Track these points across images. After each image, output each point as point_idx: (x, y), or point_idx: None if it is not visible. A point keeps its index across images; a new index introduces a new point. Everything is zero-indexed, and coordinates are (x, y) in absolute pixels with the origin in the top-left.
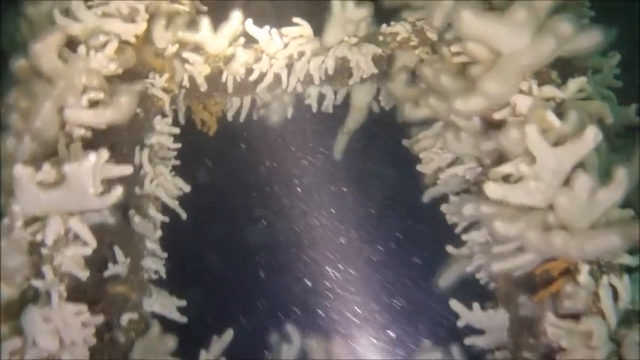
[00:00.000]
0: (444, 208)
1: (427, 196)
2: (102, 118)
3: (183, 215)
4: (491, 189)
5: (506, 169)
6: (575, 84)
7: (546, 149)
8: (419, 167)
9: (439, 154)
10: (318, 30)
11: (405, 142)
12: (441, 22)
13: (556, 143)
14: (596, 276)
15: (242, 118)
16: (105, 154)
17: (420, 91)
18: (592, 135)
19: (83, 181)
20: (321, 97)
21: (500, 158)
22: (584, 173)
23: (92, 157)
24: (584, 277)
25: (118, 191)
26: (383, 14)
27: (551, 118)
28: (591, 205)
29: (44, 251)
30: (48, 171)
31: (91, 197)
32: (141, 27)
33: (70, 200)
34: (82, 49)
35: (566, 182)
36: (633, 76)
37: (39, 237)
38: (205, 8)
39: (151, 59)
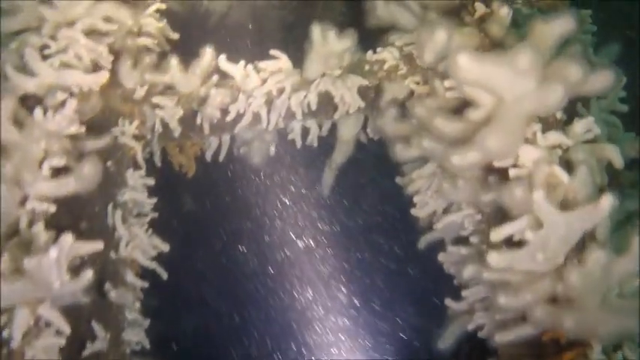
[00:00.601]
0: (441, 257)
1: (423, 243)
2: (65, 188)
3: (164, 275)
4: (495, 260)
5: (509, 230)
6: (581, 125)
7: (555, 216)
8: (413, 211)
9: (434, 198)
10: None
11: (399, 181)
12: (433, 59)
13: (564, 201)
14: (609, 352)
15: (222, 158)
16: (68, 239)
17: (412, 128)
18: (606, 204)
19: (46, 275)
20: (305, 131)
21: (502, 209)
22: (598, 249)
23: (53, 252)
24: (596, 354)
25: (88, 274)
26: (368, 36)
27: (559, 173)
28: (604, 278)
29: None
30: (7, 261)
31: (58, 286)
32: (103, 76)
33: (36, 290)
34: (38, 113)
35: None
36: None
37: (6, 333)
38: (176, 35)
39: (118, 104)
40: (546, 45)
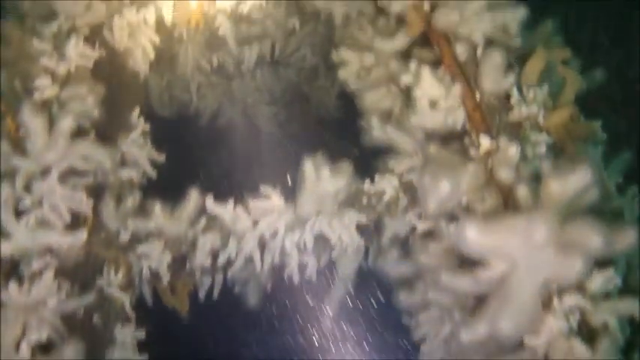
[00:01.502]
0: None
1: None
2: None
3: None
4: None
5: None
6: (602, 280)
7: None
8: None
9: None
10: None
11: (406, 321)
12: (437, 208)
13: None
14: None
15: (215, 296)
16: None
17: (416, 271)
18: None
19: None
20: (303, 266)
21: None
22: None
23: None
24: None
25: None
26: (366, 157)
27: (580, 349)
28: None
29: None
30: None
31: None
32: (82, 236)
33: None
34: (13, 289)
35: None
36: None
37: None
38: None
39: (102, 250)
40: (562, 201)
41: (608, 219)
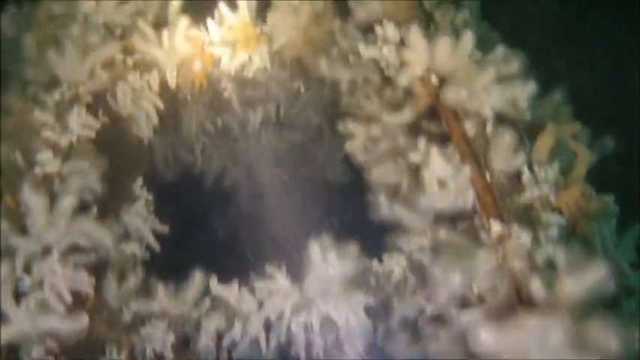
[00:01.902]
0: None
1: None
2: None
3: None
4: None
5: None
6: None
7: None
8: None
9: None
10: None
11: None
12: (447, 299)
13: None
14: None
15: None
16: None
17: (427, 357)
18: None
19: None
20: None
21: None
22: None
23: None
24: None
25: None
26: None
27: None
28: None
29: None
30: None
31: None
32: (84, 321)
33: None
34: None
35: None
36: None
37: None
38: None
39: (104, 330)
40: (577, 300)
41: (624, 315)
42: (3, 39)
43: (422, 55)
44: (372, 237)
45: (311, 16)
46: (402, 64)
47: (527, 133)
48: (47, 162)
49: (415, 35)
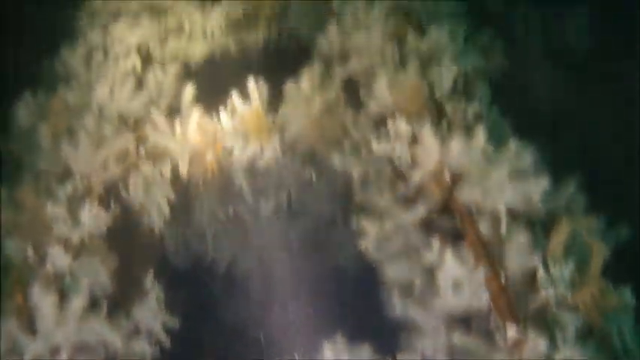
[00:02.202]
0: None
1: None
2: None
3: None
4: None
5: None
6: None
7: None
8: None
9: None
10: None
11: None
12: None
13: None
14: None
15: None
16: None
17: None
18: None
19: None
20: None
21: None
22: None
23: None
24: None
25: None
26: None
27: None
28: None
29: None
30: None
31: None
32: None
33: None
34: None
35: None
36: None
37: None
38: None
39: None
40: None
41: None
42: (18, 128)
43: (434, 153)
44: (386, 335)
45: (323, 108)
46: (415, 161)
47: (542, 227)
48: (58, 258)
49: (427, 133)
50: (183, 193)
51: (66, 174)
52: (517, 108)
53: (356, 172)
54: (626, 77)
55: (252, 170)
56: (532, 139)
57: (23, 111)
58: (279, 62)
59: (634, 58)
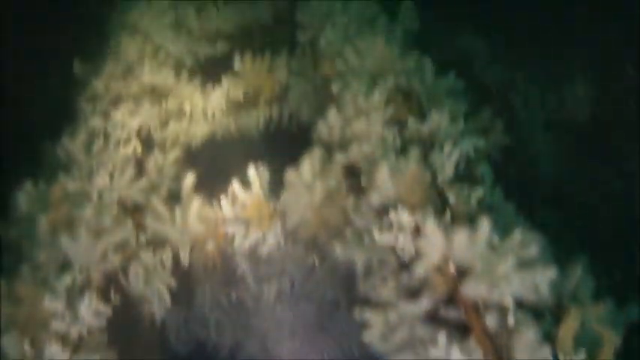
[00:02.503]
0: None
1: None
2: None
3: None
4: None
5: None
6: None
7: None
8: None
9: None
10: None
11: None
12: None
13: None
14: None
15: None
16: None
17: None
18: None
19: None
20: None
21: None
22: None
23: None
24: None
25: None
26: None
27: None
28: None
29: None
30: None
31: None
32: None
33: None
34: None
35: None
36: None
37: None
38: None
39: None
40: None
41: None
42: (18, 217)
43: (438, 246)
44: None
45: (324, 195)
46: (418, 253)
47: (550, 317)
48: (56, 355)
49: (431, 226)
50: (185, 279)
51: (65, 266)
52: (519, 187)
53: (359, 262)
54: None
55: (254, 256)
56: (536, 223)
57: (23, 199)
58: (280, 145)
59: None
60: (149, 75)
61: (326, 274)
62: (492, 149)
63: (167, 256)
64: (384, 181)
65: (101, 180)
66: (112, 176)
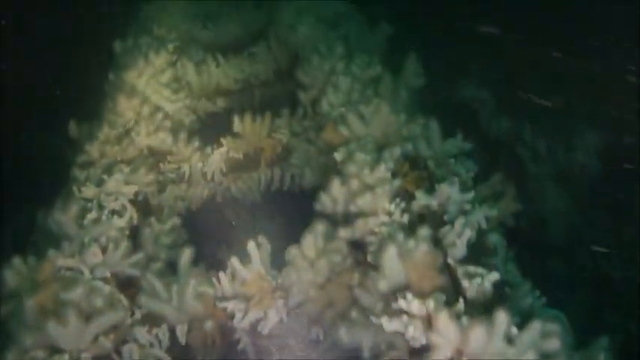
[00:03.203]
0: None
1: None
2: None
3: None
4: None
5: None
6: None
7: None
8: None
9: None
10: None
11: None
12: None
13: None
14: None
15: None
16: None
17: None
18: None
19: None
20: None
21: None
22: None
23: None
24: None
25: None
26: None
27: None
28: None
29: None
30: None
31: None
32: None
33: None
34: None
35: None
36: None
37: None
38: None
39: None
40: None
41: None
42: (6, 297)
43: (452, 341)
44: None
45: (328, 272)
46: (430, 344)
47: None
48: None
49: (443, 319)
50: (183, 356)
51: (53, 352)
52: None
53: (366, 346)
54: None
55: (255, 334)
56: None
57: (11, 276)
58: (281, 208)
59: None
60: (146, 137)
61: (332, 348)
62: (504, 217)
63: (163, 332)
64: (393, 268)
65: (93, 256)
66: (104, 250)
